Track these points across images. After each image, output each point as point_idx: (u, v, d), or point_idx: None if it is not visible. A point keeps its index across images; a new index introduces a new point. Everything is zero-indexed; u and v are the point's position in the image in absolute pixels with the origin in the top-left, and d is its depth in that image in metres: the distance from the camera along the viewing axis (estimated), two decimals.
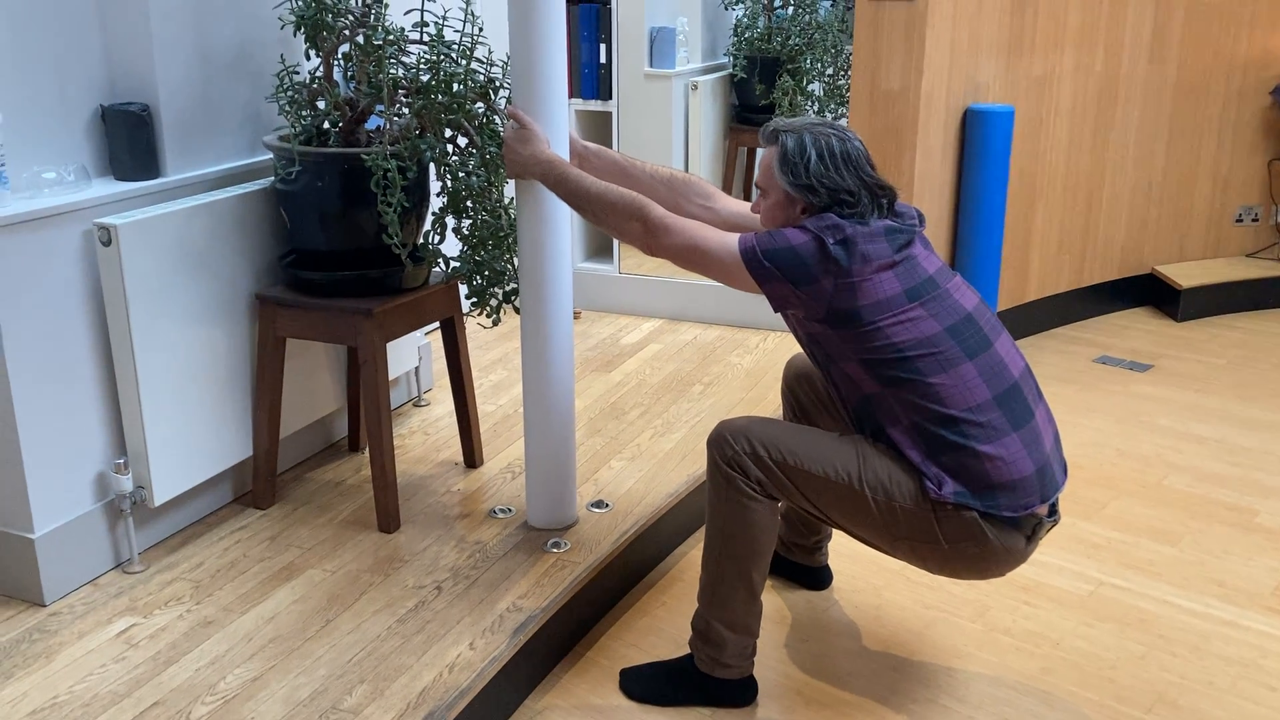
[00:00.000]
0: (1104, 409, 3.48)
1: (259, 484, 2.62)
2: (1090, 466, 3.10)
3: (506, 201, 2.50)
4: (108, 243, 2.23)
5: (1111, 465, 3.12)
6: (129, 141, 2.34)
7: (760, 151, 2.10)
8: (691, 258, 2.00)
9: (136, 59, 2.35)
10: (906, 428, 1.92)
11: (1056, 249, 4.06)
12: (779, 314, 2.01)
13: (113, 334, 2.30)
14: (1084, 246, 4.16)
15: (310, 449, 2.91)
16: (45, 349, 2.20)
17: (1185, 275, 4.29)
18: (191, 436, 2.45)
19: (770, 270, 1.91)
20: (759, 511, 1.99)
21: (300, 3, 2.39)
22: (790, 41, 4.38)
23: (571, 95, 3.99)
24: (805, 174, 1.94)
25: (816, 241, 1.89)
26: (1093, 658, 2.28)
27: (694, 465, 2.79)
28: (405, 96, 2.42)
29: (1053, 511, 1.99)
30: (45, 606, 2.25)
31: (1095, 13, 3.85)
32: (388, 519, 2.52)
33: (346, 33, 2.42)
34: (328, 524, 2.57)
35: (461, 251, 2.52)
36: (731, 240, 1.96)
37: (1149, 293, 4.38)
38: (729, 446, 1.99)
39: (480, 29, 2.40)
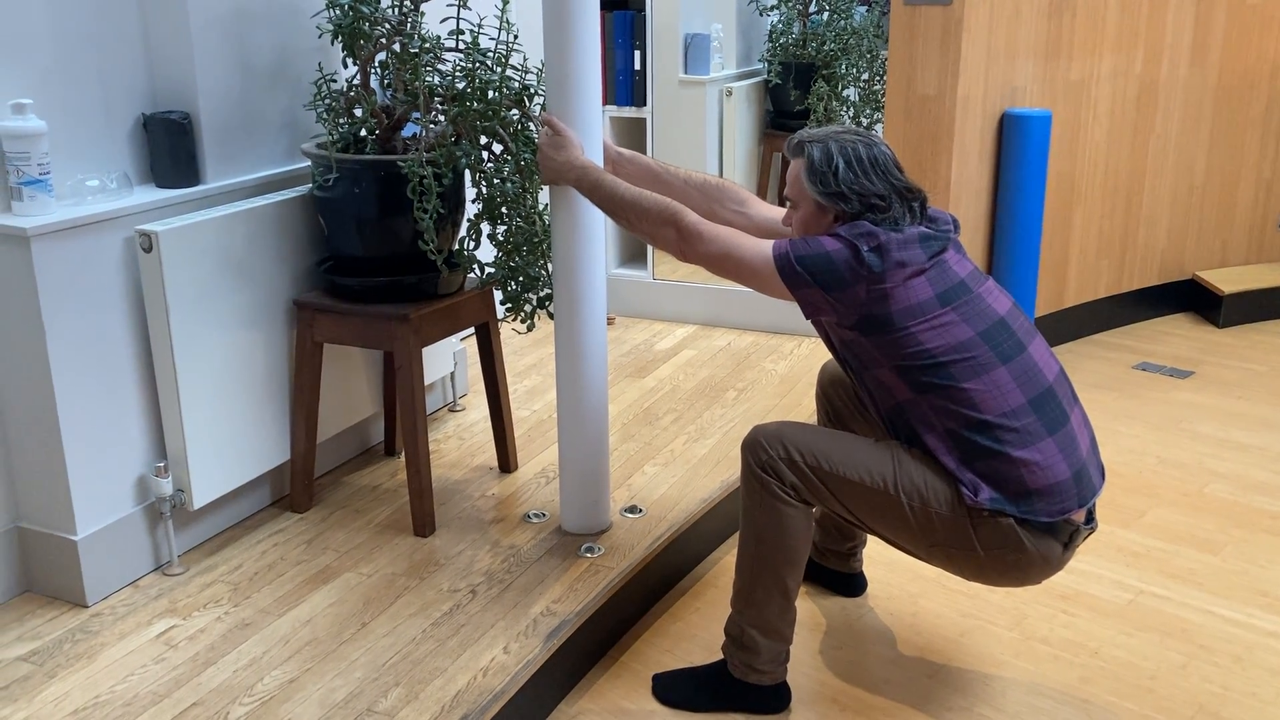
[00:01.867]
0: (1143, 416, 3.44)
1: (296, 488, 2.65)
2: (1130, 474, 3.07)
3: (541, 208, 2.51)
4: (149, 249, 2.26)
5: (1151, 473, 3.08)
6: (170, 149, 2.37)
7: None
8: (725, 264, 2.00)
9: (177, 68, 2.39)
10: (941, 434, 1.91)
11: (1095, 254, 4.02)
12: (810, 321, 2.01)
13: (153, 339, 2.33)
14: (1123, 252, 4.11)
15: (347, 453, 2.93)
16: (87, 353, 2.24)
17: (1227, 281, 4.23)
18: (230, 440, 2.48)
19: (803, 276, 1.90)
20: (793, 516, 1.99)
21: (338, 11, 2.41)
22: (825, 47, 4.37)
23: (606, 102, 4.00)
24: (835, 182, 1.93)
25: (851, 248, 1.88)
26: (1132, 667, 2.26)
27: (728, 471, 2.79)
28: (441, 104, 2.44)
29: (1090, 518, 1.97)
30: (87, 607, 2.28)
31: (1134, 16, 3.81)
32: (423, 523, 2.54)
33: (383, 41, 2.44)
34: (364, 528, 2.59)
35: (496, 257, 2.54)
36: (765, 246, 1.95)
37: (1190, 299, 4.32)
38: (763, 451, 1.98)
39: (515, 36, 2.42)
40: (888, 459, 1.94)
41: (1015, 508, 1.87)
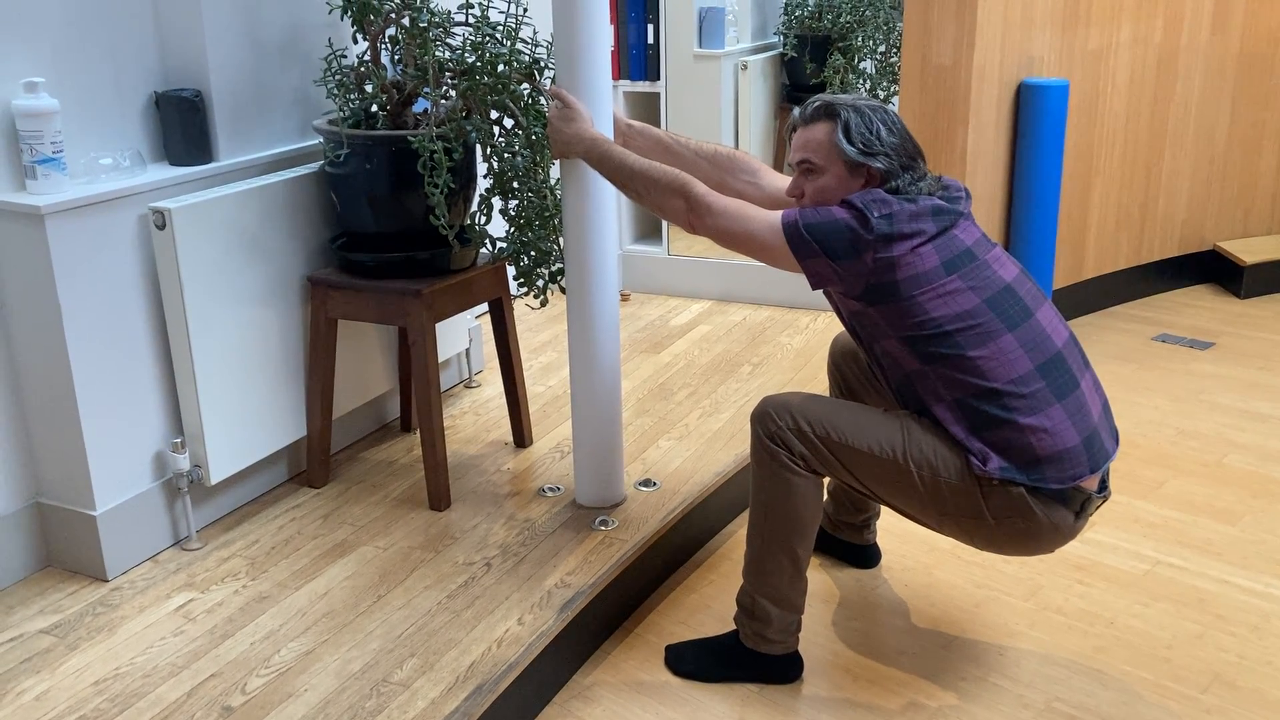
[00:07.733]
0: (1163, 388, 3.41)
1: (313, 463, 2.66)
2: (1148, 445, 3.05)
3: (552, 182, 2.51)
4: (162, 226, 2.27)
5: (1170, 444, 3.06)
6: (182, 127, 2.38)
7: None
8: (733, 236, 1.99)
9: (189, 46, 2.39)
10: (949, 404, 1.90)
11: (1114, 226, 3.99)
12: (818, 291, 2.00)
13: (168, 316, 2.35)
14: (1143, 223, 4.07)
15: (363, 429, 2.95)
16: (103, 331, 2.26)
17: (1249, 251, 4.18)
18: (246, 417, 2.50)
19: (811, 245, 1.89)
20: (803, 487, 1.99)
21: None
22: (841, 19, 4.33)
23: (619, 76, 3.99)
24: (879, 143, 1.93)
25: (859, 216, 1.87)
26: (1147, 637, 2.25)
27: (742, 445, 2.79)
28: (451, 78, 2.44)
29: (1103, 487, 1.95)
30: (107, 581, 2.31)
31: None
32: (438, 497, 2.55)
33: (393, 15, 2.44)
34: (380, 502, 2.60)
35: (508, 232, 2.54)
36: (774, 217, 1.94)
37: (1211, 270, 4.28)
38: (773, 422, 1.98)
39: (524, 10, 2.41)
40: (897, 429, 1.94)
41: (1025, 476, 1.86)
